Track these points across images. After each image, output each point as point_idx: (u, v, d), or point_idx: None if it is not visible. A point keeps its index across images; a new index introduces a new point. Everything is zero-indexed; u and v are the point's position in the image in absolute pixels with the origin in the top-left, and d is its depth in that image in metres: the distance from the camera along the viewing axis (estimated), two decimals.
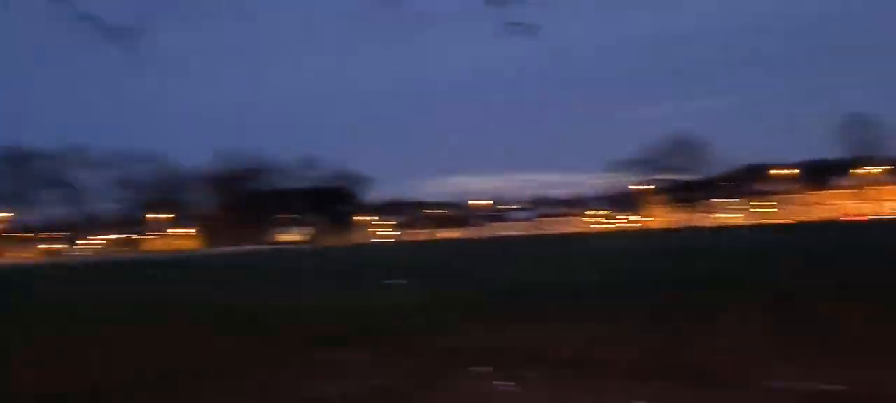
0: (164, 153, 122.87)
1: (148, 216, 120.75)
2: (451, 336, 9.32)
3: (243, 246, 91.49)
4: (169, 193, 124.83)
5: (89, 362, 8.69)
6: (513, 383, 6.41)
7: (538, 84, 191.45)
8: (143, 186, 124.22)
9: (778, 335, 8.22)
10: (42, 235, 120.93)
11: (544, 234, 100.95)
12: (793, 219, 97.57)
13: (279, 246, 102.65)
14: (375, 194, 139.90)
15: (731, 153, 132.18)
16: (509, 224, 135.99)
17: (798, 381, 5.97)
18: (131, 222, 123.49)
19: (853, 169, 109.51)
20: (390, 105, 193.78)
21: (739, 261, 21.78)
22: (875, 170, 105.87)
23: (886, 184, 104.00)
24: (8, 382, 7.69)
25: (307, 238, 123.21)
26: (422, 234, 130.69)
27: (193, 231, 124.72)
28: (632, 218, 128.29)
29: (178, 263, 47.33)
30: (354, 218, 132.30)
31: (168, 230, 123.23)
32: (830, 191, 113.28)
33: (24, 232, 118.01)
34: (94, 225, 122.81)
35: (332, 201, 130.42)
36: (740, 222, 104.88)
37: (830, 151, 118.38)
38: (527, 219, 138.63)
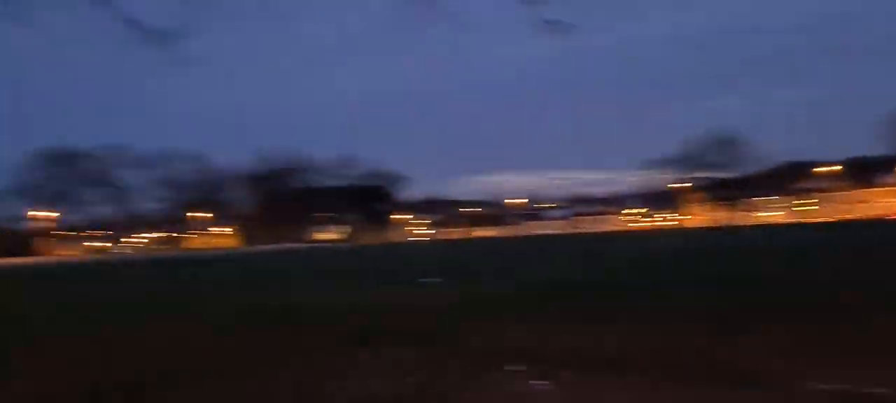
0: (204, 153, 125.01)
1: (189, 215, 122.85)
2: (486, 334, 9.32)
3: (281, 245, 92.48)
4: (209, 192, 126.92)
5: (127, 357, 8.89)
6: (548, 382, 6.39)
7: (575, 81, 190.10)
8: (184, 186, 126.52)
9: (821, 335, 8.05)
10: (87, 234, 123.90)
11: (580, 233, 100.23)
12: (835, 218, 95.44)
13: (316, 244, 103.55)
14: (411, 193, 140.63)
15: (772, 150, 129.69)
16: (545, 222, 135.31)
17: (841, 383, 5.85)
18: (173, 221, 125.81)
19: None
20: (427, 104, 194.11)
21: (780, 260, 21.40)
22: None
23: None
24: (51, 376, 7.90)
25: (344, 236, 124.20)
26: (457, 233, 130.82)
27: (232, 229, 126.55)
28: (670, 216, 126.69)
29: (217, 261, 48.06)
30: (391, 216, 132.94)
31: (208, 228, 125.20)
32: (874, 189, 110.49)
33: (69, 230, 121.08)
34: (137, 223, 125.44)
35: (369, 200, 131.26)
36: (781, 220, 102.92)
37: (874, 148, 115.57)
38: (563, 218, 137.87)
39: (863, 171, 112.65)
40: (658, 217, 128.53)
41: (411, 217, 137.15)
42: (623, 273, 19.78)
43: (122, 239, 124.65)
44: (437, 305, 13.10)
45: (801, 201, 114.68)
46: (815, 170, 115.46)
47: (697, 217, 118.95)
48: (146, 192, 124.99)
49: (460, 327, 10.17)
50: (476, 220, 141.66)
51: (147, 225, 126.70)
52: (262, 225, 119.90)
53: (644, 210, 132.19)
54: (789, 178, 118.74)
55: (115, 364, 8.44)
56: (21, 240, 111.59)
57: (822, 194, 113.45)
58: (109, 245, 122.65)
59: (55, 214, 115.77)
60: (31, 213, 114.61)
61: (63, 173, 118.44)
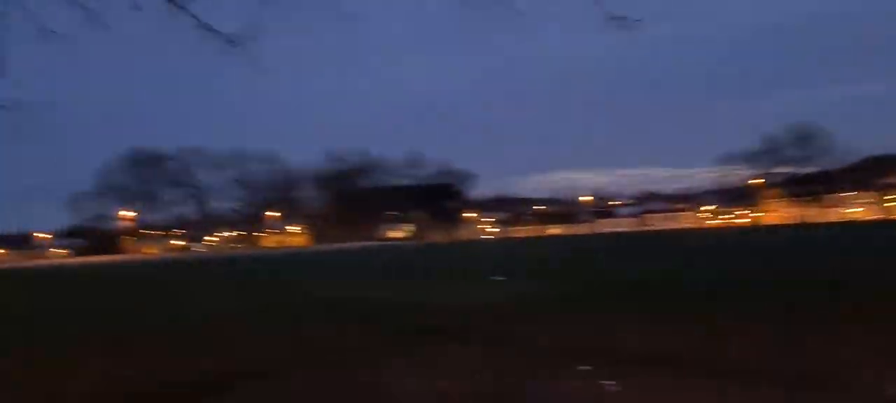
0: (277, 153, 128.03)
1: (263, 214, 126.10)
2: (555, 333, 9.27)
3: (351, 243, 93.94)
4: (281, 192, 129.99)
5: (202, 353, 9.20)
6: (616, 382, 6.31)
7: (646, 76, 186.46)
8: (257, 185, 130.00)
9: None
10: (167, 233, 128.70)
11: (652, 230, 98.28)
12: None
13: (386, 242, 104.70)
14: (480, 191, 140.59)
15: (856, 144, 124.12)
16: (615, 220, 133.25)
17: None
18: (247, 220, 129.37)
19: None
20: (495, 101, 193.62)
21: (863, 260, 20.49)
22: None
23: None
24: (149, 367, 8.27)
25: (413, 234, 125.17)
26: (526, 231, 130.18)
27: (304, 228, 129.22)
28: (746, 213, 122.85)
29: (290, 259, 49.14)
30: (459, 214, 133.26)
31: (281, 228, 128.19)
32: None
33: (151, 229, 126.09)
34: (214, 222, 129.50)
35: (438, 198, 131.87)
36: (866, 217, 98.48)
37: None
38: (633, 215, 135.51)
39: None
40: (733, 214, 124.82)
41: (479, 215, 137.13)
42: (692, 271, 19.32)
43: (201, 238, 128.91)
44: (504, 303, 13.09)
45: (889, 197, 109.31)
46: None
47: (775, 214, 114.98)
48: (222, 192, 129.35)
49: (527, 325, 10.15)
50: (545, 218, 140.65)
51: (223, 225, 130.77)
52: (332, 223, 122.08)
53: (718, 207, 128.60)
54: (875, 173, 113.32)
55: (197, 360, 8.77)
56: (108, 239, 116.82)
57: None
58: (188, 243, 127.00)
59: (136, 213, 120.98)
60: (117, 213, 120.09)
61: (146, 174, 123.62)
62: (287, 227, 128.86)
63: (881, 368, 6.34)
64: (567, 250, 40.63)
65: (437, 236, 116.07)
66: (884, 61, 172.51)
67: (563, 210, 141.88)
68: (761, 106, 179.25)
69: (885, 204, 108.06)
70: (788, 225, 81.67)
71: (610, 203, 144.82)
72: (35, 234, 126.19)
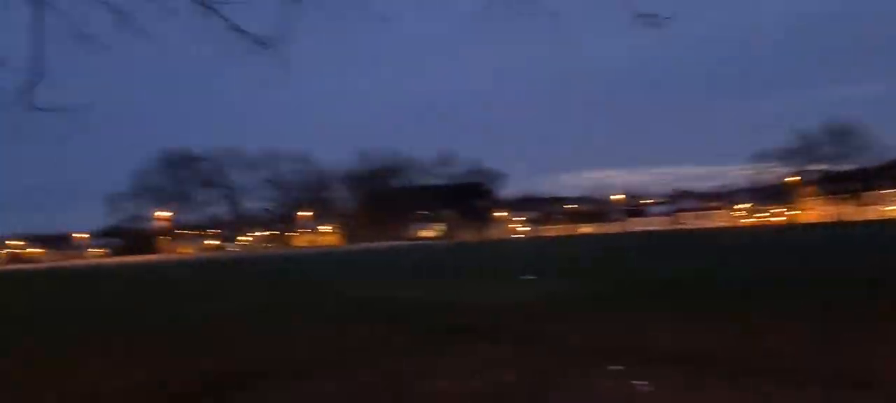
0: (308, 153, 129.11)
1: (295, 214, 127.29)
2: (586, 332, 9.23)
3: (382, 242, 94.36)
4: (313, 192, 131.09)
5: (234, 350, 9.33)
6: (649, 382, 6.26)
7: (678, 72, 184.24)
8: (289, 186, 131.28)
9: None
10: (202, 232, 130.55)
11: (685, 229, 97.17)
12: None
13: (417, 241, 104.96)
14: (510, 190, 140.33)
15: (894, 141, 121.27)
16: (648, 218, 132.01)
17: None
18: (279, 220, 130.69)
19: None
20: (526, 100, 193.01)
21: None
22: None
23: None
24: (174, 364, 8.40)
25: (443, 234, 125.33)
26: (557, 229, 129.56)
27: (335, 228, 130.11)
28: (781, 211, 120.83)
29: (322, 258, 49.50)
30: (490, 213, 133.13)
31: (313, 227, 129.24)
32: None
33: (186, 229, 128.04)
34: (247, 222, 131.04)
35: (468, 197, 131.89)
36: None
37: None
38: (666, 214, 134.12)
39: None
40: (768, 212, 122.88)
41: (510, 214, 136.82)
42: (727, 269, 19.06)
43: (234, 238, 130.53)
44: (534, 302, 13.05)
45: None
46: None
47: (811, 212, 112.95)
48: (255, 193, 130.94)
49: (558, 324, 10.11)
50: (576, 217, 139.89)
51: (256, 224, 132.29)
52: (363, 223, 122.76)
53: (753, 205, 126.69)
54: None
55: (227, 357, 8.89)
56: (145, 239, 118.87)
57: None
58: (222, 243, 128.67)
59: (171, 213, 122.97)
60: (153, 214, 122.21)
61: (180, 175, 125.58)
62: (319, 227, 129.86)
63: None
64: (598, 249, 40.35)
65: (468, 235, 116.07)
66: None
67: (594, 209, 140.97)
68: (795, 102, 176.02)
69: None
70: (825, 224, 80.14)
71: (641, 201, 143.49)
72: (73, 234, 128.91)
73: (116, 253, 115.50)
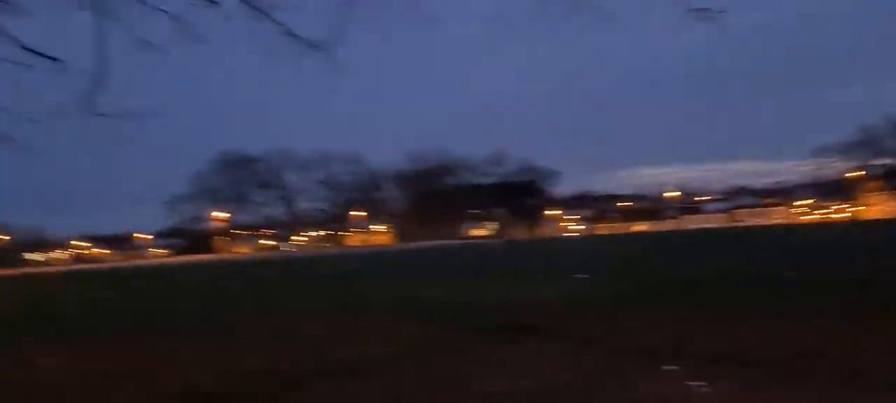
0: (360, 154, 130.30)
1: (348, 213, 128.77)
2: (638, 331, 9.11)
3: (434, 241, 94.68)
4: (365, 192, 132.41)
5: (288, 349, 9.48)
6: (704, 383, 6.14)
7: (733, 65, 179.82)
8: (342, 186, 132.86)
9: None
10: (257, 233, 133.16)
11: (742, 226, 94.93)
12: None
13: (468, 240, 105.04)
14: (562, 188, 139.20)
15: None
16: (704, 216, 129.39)
17: None
18: (333, 220, 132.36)
19: None
20: (576, 97, 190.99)
21: None
22: None
23: None
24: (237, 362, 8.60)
25: (495, 232, 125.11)
26: (611, 227, 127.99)
27: (387, 227, 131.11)
28: (843, 207, 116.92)
29: (375, 258, 49.93)
30: (541, 212, 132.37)
31: (365, 227, 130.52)
32: None
33: (242, 230, 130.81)
34: (301, 222, 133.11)
35: (520, 196, 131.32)
36: None
37: None
38: (722, 211, 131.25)
39: None
40: (829, 209, 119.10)
41: (562, 212, 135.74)
42: (785, 269, 18.52)
43: (289, 238, 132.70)
44: (586, 300, 12.95)
45: None
46: None
47: (875, 208, 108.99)
48: (308, 193, 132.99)
49: (610, 323, 10.01)
50: (629, 215, 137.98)
51: (310, 224, 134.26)
52: (415, 222, 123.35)
53: (813, 201, 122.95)
54: None
55: (281, 356, 9.05)
56: (204, 239, 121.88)
57: None
58: (277, 243, 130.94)
59: (230, 215, 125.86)
60: (211, 215, 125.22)
61: (237, 177, 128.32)
62: (371, 227, 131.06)
63: None
64: (651, 247, 39.75)
65: (520, 234, 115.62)
66: None
67: (648, 206, 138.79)
68: (858, 95, 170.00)
69: None
70: (890, 220, 77.20)
71: (697, 198, 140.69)
72: (135, 235, 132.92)
73: (178, 253, 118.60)
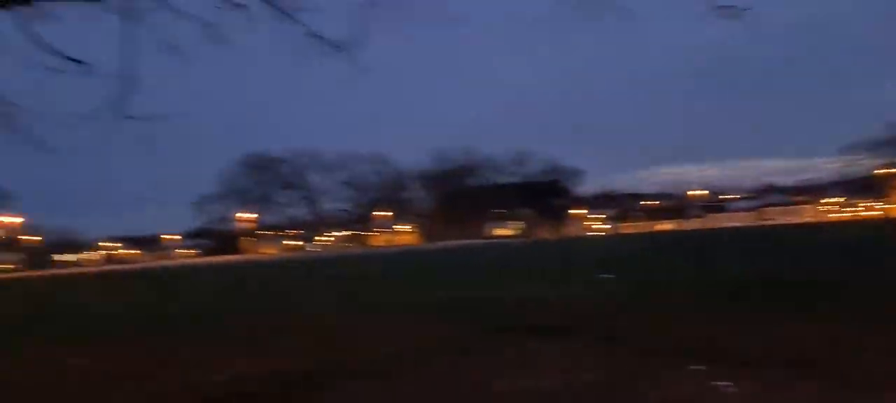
0: (384, 154, 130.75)
1: (372, 214, 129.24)
2: (664, 331, 9.05)
3: (458, 241, 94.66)
4: (390, 192, 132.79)
5: (313, 349, 9.54)
6: (731, 383, 6.08)
7: (759, 61, 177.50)
8: (366, 186, 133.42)
9: None
10: (283, 233, 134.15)
11: (769, 225, 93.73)
12: None
13: (493, 240, 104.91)
14: (587, 187, 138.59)
15: None
16: (730, 214, 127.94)
17: None
18: (357, 220, 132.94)
19: None
20: (600, 96, 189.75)
21: None
22: None
23: None
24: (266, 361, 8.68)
25: (520, 232, 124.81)
26: (636, 226, 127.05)
27: (412, 227, 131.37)
28: (872, 205, 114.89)
29: (399, 258, 50.03)
30: (566, 211, 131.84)
31: (390, 227, 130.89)
32: None
33: (268, 230, 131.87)
34: (326, 223, 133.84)
35: (545, 195, 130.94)
36: None
37: None
38: (749, 209, 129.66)
39: None
40: (860, 206, 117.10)
41: (587, 212, 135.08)
42: (812, 268, 18.26)
43: (314, 239, 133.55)
44: (611, 300, 12.88)
45: None
46: None
47: None
48: (333, 193, 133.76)
49: (635, 322, 9.95)
50: (655, 214, 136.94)
51: (334, 225, 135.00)
52: (440, 222, 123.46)
53: (843, 199, 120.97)
54: None
55: (307, 356, 9.11)
56: (230, 240, 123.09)
57: None
58: (302, 244, 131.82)
59: (256, 216, 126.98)
60: (237, 216, 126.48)
61: (262, 178, 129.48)
62: (396, 227, 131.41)
63: None
64: (677, 246, 39.40)
65: (545, 233, 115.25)
66: None
67: (674, 205, 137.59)
68: (886, 91, 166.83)
69: None
70: None
71: (723, 197, 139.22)
72: (163, 236, 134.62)
73: (206, 253, 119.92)
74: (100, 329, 14.59)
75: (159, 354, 10.11)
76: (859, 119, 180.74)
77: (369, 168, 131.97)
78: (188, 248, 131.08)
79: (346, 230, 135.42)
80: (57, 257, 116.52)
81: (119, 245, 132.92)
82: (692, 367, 6.71)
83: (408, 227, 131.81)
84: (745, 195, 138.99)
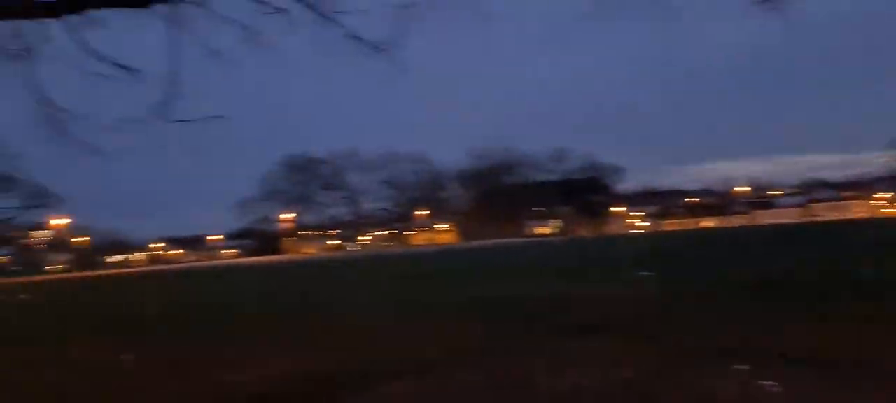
0: (423, 153, 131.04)
1: (412, 213, 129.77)
2: (705, 329, 8.94)
3: (498, 239, 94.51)
4: (429, 191, 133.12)
5: (354, 348, 9.63)
6: (776, 383, 5.99)
7: (806, 56, 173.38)
8: (405, 185, 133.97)
9: None
10: (323, 233, 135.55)
11: (816, 221, 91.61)
12: None
13: (532, 238, 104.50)
14: (629, 184, 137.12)
15: None
16: (776, 211, 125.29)
17: None
18: (397, 219, 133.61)
19: None
20: (643, 92, 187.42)
21: None
22: None
23: None
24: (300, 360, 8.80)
25: (560, 230, 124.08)
26: (678, 224, 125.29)
27: (452, 225, 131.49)
28: None
29: (439, 256, 50.14)
30: (606, 209, 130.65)
31: (429, 226, 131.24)
32: None
33: (308, 230, 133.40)
34: (365, 222, 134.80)
35: (585, 192, 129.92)
36: None
37: None
38: (795, 205, 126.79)
39: None
40: None
41: (627, 209, 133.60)
42: (860, 266, 17.74)
43: (354, 238, 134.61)
44: (652, 298, 12.76)
45: None
46: None
47: None
48: (372, 193, 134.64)
49: (676, 321, 9.85)
50: (697, 211, 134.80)
51: (374, 224, 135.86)
52: (479, 220, 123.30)
53: (894, 194, 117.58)
54: None
55: (350, 355, 9.21)
56: (272, 240, 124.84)
57: None
58: (343, 243, 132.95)
59: (297, 216, 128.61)
60: (279, 216, 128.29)
61: (303, 178, 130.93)
62: (435, 225, 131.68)
63: None
64: (719, 243, 38.77)
65: (585, 231, 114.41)
66: None
67: (717, 201, 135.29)
68: None
69: None
70: None
71: (768, 192, 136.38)
72: (207, 237, 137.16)
73: (248, 253, 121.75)
74: (143, 327, 14.91)
75: (202, 353, 10.30)
76: None
77: (408, 167, 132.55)
78: (231, 249, 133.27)
79: (385, 229, 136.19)
80: (108, 259, 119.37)
81: (164, 245, 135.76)
82: (736, 366, 6.62)
83: (447, 226, 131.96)
84: (791, 190, 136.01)
